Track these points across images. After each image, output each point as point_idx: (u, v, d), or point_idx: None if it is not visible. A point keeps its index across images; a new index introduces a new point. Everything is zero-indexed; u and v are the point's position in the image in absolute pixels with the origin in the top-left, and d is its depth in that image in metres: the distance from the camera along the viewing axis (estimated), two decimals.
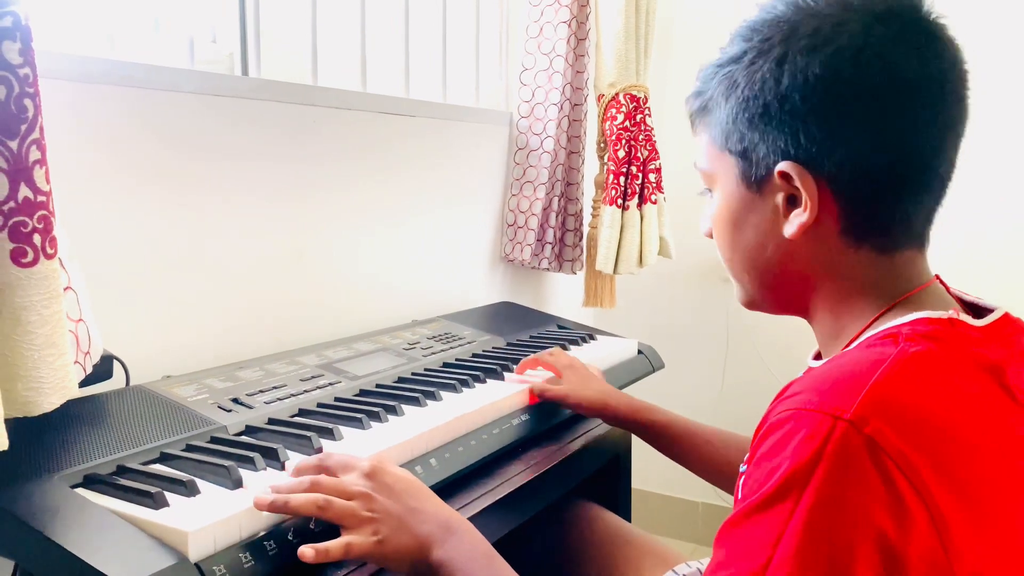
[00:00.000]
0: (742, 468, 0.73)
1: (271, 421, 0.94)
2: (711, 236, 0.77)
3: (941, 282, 0.71)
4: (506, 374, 1.20)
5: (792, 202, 0.68)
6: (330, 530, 0.75)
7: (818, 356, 0.75)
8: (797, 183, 0.66)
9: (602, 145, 1.94)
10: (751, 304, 0.77)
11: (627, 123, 1.87)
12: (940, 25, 0.65)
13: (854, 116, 0.64)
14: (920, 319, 0.63)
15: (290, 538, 0.73)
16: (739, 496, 0.69)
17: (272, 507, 0.72)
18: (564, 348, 1.38)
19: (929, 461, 0.54)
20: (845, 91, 0.63)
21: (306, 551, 0.70)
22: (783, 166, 0.66)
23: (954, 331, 0.63)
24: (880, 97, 0.63)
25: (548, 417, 1.14)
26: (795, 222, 0.67)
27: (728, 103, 0.69)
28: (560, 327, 1.58)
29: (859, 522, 0.53)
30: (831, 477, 0.54)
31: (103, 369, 0.91)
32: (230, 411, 0.95)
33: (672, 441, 1.09)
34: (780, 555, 0.54)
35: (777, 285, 0.73)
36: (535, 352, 1.31)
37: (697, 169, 0.76)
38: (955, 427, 0.57)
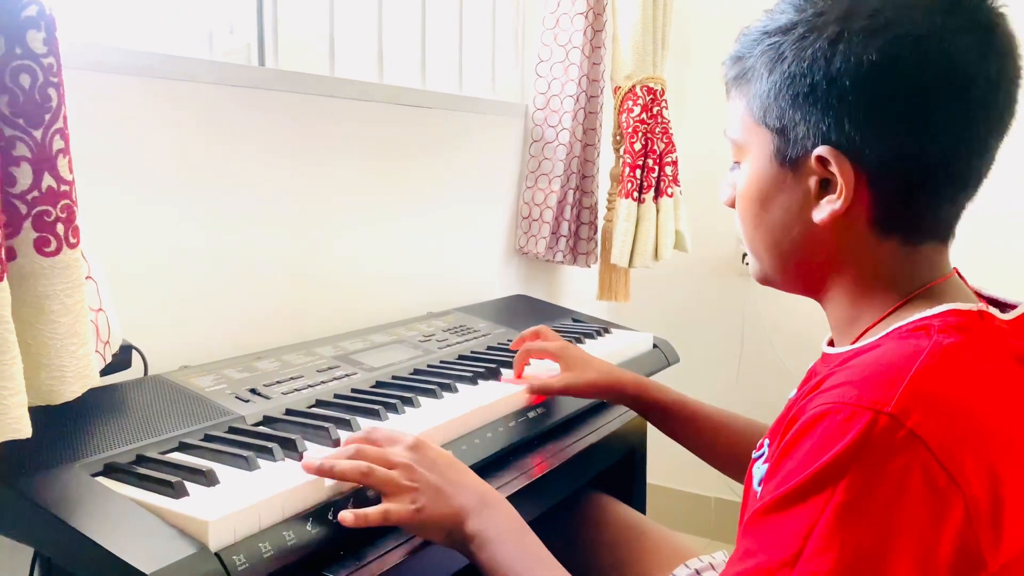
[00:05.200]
0: (755, 454, 0.73)
1: (288, 412, 0.94)
2: (732, 205, 0.75)
3: (960, 276, 0.70)
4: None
5: (824, 186, 0.66)
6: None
7: (832, 343, 0.74)
8: (834, 169, 0.64)
9: (618, 138, 1.93)
10: (765, 280, 0.76)
11: (643, 115, 1.86)
12: (1003, 16, 0.63)
13: (905, 108, 0.61)
14: (950, 311, 0.63)
15: (309, 528, 0.73)
16: (754, 484, 0.69)
17: (320, 470, 0.76)
18: (579, 341, 1.38)
19: (969, 453, 0.54)
20: (900, 82, 0.61)
21: (346, 515, 0.74)
22: (822, 150, 0.64)
23: (984, 324, 0.63)
24: (935, 91, 0.61)
25: (564, 410, 1.14)
26: (826, 208, 0.66)
27: (771, 76, 0.66)
28: (575, 320, 1.57)
29: (893, 515, 0.53)
30: (868, 470, 0.53)
31: (122, 359, 0.91)
32: (248, 401, 0.95)
33: (681, 422, 1.06)
34: (811, 547, 0.53)
35: (796, 267, 0.72)
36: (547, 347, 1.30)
37: (727, 138, 0.74)
38: (993, 418, 0.57)
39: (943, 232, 0.68)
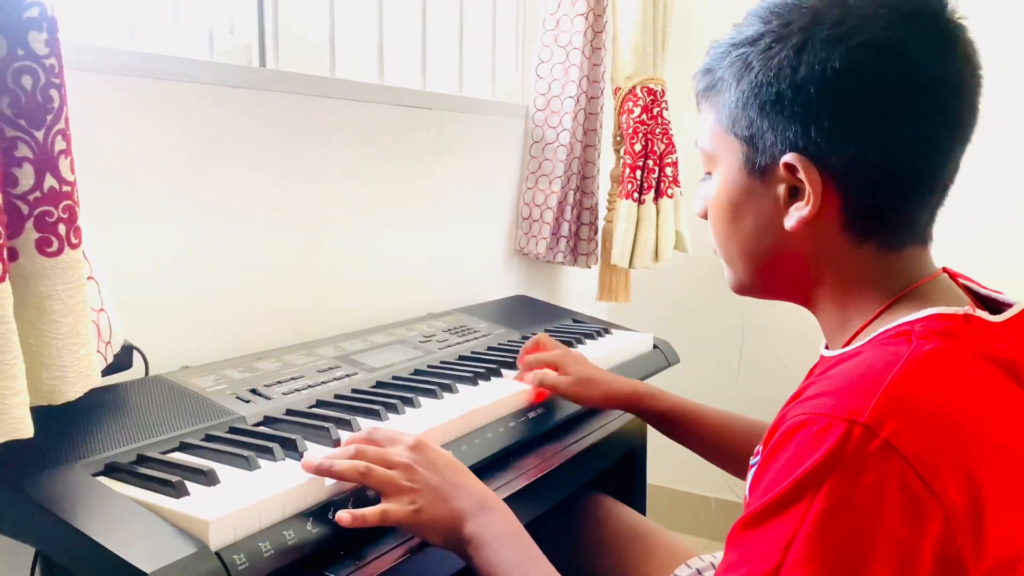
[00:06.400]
0: (752, 461, 0.73)
1: (289, 412, 0.95)
2: (705, 217, 0.76)
3: (950, 274, 0.70)
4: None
5: (794, 194, 0.67)
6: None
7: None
8: (802, 176, 0.65)
9: (618, 138, 1.93)
10: (741, 289, 0.76)
11: (644, 116, 1.86)
12: (962, 27, 0.64)
13: (869, 115, 0.63)
14: (933, 315, 0.63)
15: (309, 528, 0.73)
16: (748, 493, 0.69)
17: (319, 470, 0.76)
18: (579, 342, 1.38)
19: (946, 461, 0.54)
20: (863, 89, 0.62)
21: (343, 515, 0.74)
22: (789, 158, 0.65)
23: (969, 327, 0.62)
24: (898, 98, 0.62)
25: (563, 410, 1.14)
26: (795, 215, 0.67)
27: (739, 86, 0.67)
28: (575, 321, 1.58)
29: (871, 526, 0.53)
30: (844, 482, 0.53)
31: (123, 359, 0.92)
32: (248, 402, 0.95)
33: (678, 425, 1.09)
34: (791, 559, 0.54)
35: (772, 273, 0.72)
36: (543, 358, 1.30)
37: (698, 149, 0.75)
38: (971, 425, 0.57)
39: (919, 236, 0.68)
